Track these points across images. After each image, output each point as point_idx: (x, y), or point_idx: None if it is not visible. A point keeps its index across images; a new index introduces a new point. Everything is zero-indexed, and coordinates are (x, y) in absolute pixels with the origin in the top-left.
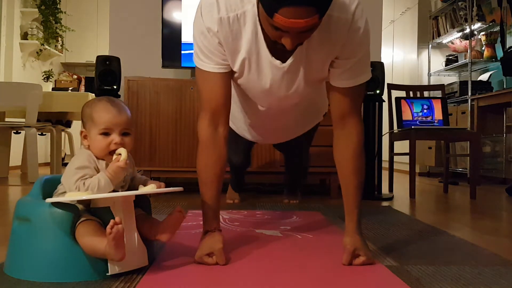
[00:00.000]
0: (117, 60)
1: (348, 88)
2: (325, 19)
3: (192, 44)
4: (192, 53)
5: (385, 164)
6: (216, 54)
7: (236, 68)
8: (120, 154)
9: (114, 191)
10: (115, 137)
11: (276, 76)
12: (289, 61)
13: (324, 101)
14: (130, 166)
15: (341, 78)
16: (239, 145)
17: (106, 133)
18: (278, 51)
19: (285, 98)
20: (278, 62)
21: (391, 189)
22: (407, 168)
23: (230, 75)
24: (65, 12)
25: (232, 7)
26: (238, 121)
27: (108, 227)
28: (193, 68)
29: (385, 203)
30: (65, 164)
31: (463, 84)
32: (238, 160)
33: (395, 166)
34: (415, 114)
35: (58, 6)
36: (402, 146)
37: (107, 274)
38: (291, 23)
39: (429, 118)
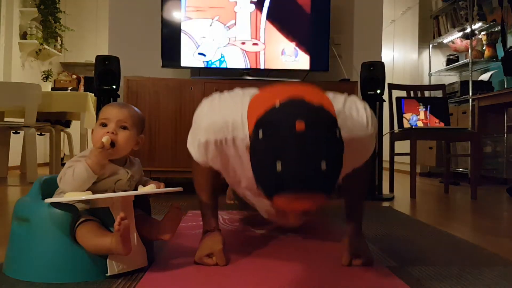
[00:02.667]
0: (116, 59)
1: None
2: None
3: (192, 44)
4: (192, 53)
5: (386, 164)
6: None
7: (232, 182)
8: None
9: (114, 191)
10: (109, 128)
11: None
12: None
13: None
14: (138, 173)
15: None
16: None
17: (104, 124)
18: None
19: None
20: None
21: (391, 189)
22: (407, 168)
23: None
24: (64, 12)
25: (221, 130)
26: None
27: (116, 223)
28: (192, 68)
29: (385, 203)
30: (64, 164)
31: (464, 84)
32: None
33: (396, 166)
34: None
35: (57, 6)
36: (402, 146)
37: (107, 274)
38: (293, 205)
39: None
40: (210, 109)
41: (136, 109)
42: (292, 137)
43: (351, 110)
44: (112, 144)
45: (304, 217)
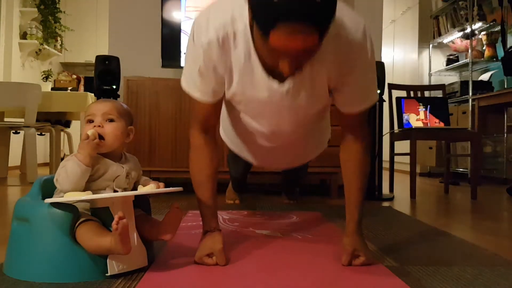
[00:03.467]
0: (116, 59)
1: (357, 112)
2: (333, 39)
3: None
4: None
5: (386, 164)
6: (205, 81)
7: (230, 93)
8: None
9: (114, 191)
10: (96, 122)
11: (274, 98)
12: (288, 82)
13: (328, 129)
14: (135, 170)
15: (350, 103)
16: (239, 165)
17: (90, 121)
18: (276, 76)
19: (288, 128)
20: (275, 82)
21: (391, 189)
22: (407, 168)
23: (219, 101)
24: (64, 12)
25: (221, 26)
26: (239, 148)
27: (114, 222)
28: None
29: (385, 204)
30: None
31: (464, 84)
32: (237, 175)
33: (396, 166)
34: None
35: (57, 6)
36: (402, 146)
37: (107, 274)
38: (289, 41)
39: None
40: (204, 18)
41: (121, 103)
42: None
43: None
44: (101, 137)
45: (296, 65)
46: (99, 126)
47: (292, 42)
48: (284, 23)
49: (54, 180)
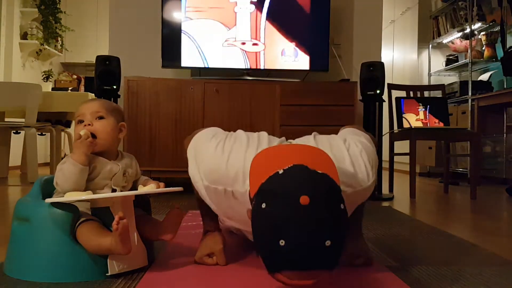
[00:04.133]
0: (116, 60)
1: None
2: None
3: (192, 44)
4: (192, 53)
5: (386, 164)
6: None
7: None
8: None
9: (113, 190)
10: (86, 121)
11: None
12: None
13: None
14: (132, 167)
15: None
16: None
17: (80, 121)
18: None
19: None
20: None
21: (391, 189)
22: (407, 168)
23: None
24: (64, 12)
25: (218, 180)
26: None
27: (114, 223)
28: (193, 68)
29: (385, 203)
30: None
31: (463, 84)
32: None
33: (395, 166)
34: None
35: (57, 6)
36: (402, 146)
37: (107, 274)
38: (296, 283)
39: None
40: (213, 153)
41: (109, 101)
42: (296, 213)
43: (354, 167)
44: (94, 136)
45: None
46: (89, 124)
47: (299, 282)
48: (290, 271)
49: (54, 183)
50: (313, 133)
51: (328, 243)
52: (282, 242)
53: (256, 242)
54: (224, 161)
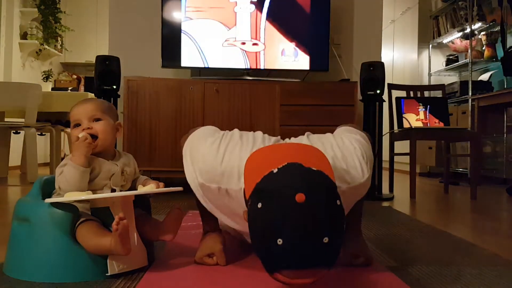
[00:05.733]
0: (116, 60)
1: None
2: None
3: (192, 44)
4: (192, 53)
5: (386, 164)
6: None
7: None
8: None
9: (112, 190)
10: (83, 125)
11: None
12: None
13: None
14: (130, 166)
15: None
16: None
17: (77, 125)
18: None
19: None
20: None
21: (391, 189)
22: (407, 168)
23: None
24: (64, 12)
25: (213, 179)
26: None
27: (114, 223)
28: (192, 68)
29: (385, 203)
30: None
31: (463, 84)
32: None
33: (396, 166)
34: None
35: (57, 6)
36: (402, 146)
37: (107, 274)
38: (294, 281)
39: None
40: (209, 152)
41: (102, 100)
42: (292, 211)
43: (348, 163)
44: (94, 137)
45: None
46: (89, 128)
47: (298, 281)
48: (287, 270)
49: (57, 188)
50: (306, 133)
51: (326, 240)
52: (279, 241)
53: (254, 243)
54: (219, 160)
